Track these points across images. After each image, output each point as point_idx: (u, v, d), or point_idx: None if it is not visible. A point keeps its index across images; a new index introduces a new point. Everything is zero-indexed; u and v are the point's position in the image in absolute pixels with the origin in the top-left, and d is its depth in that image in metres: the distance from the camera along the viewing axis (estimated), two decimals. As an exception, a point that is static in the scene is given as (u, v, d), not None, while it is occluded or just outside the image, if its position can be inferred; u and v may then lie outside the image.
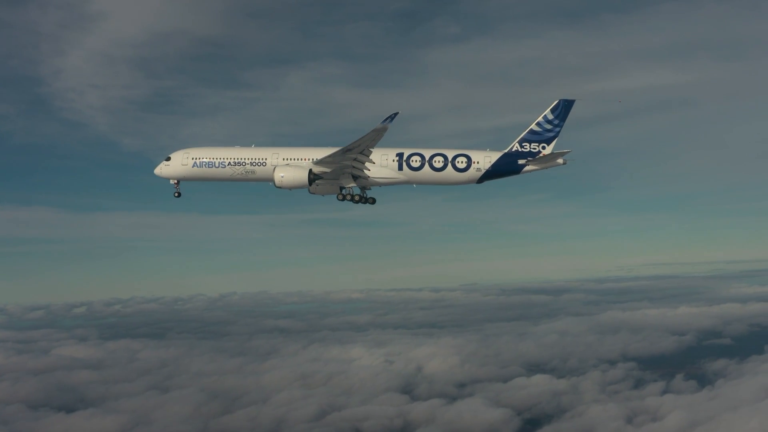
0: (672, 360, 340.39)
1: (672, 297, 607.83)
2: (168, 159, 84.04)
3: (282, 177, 78.58)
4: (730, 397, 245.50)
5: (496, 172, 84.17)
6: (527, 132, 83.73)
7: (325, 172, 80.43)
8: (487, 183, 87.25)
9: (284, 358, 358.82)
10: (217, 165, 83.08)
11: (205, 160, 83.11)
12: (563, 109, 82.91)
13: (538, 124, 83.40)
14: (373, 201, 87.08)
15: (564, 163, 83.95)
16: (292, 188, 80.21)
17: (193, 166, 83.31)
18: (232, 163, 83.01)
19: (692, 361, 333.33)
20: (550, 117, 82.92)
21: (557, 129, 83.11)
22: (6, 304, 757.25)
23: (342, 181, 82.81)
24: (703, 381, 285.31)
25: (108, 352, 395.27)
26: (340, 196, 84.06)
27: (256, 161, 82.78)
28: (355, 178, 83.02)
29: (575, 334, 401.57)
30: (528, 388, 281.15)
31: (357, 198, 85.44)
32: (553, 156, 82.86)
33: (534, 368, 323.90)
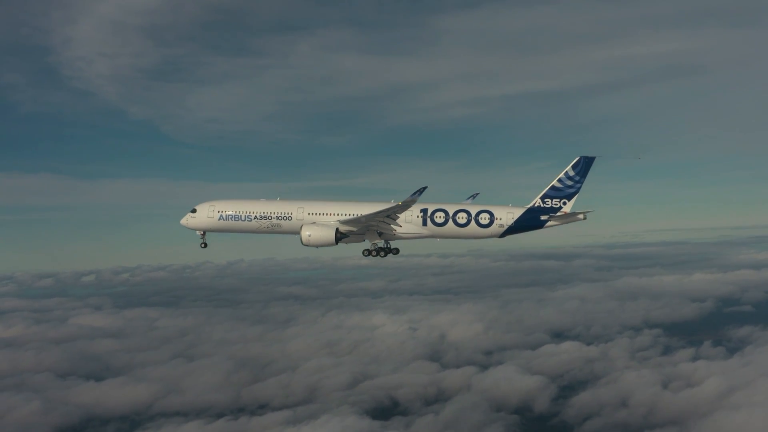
0: (695, 327, 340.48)
1: (683, 263, 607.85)
2: (194, 211, 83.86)
3: (309, 236, 78.78)
4: (763, 363, 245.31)
5: (518, 227, 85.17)
6: (549, 188, 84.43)
7: (352, 231, 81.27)
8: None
9: (305, 325, 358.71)
10: (243, 218, 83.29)
11: (230, 213, 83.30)
12: (584, 165, 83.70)
13: (559, 180, 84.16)
14: (397, 251, 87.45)
15: (584, 219, 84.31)
16: (319, 247, 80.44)
17: (219, 219, 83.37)
18: (258, 217, 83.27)
19: (716, 327, 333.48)
20: (571, 173, 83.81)
21: (578, 185, 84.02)
22: (14, 272, 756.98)
23: (367, 236, 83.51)
24: (732, 347, 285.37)
25: (126, 320, 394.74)
26: (366, 252, 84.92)
27: (282, 216, 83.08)
28: (380, 233, 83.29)
29: (594, 301, 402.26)
30: (558, 355, 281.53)
31: (383, 254, 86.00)
32: (574, 213, 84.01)
33: (559, 335, 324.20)
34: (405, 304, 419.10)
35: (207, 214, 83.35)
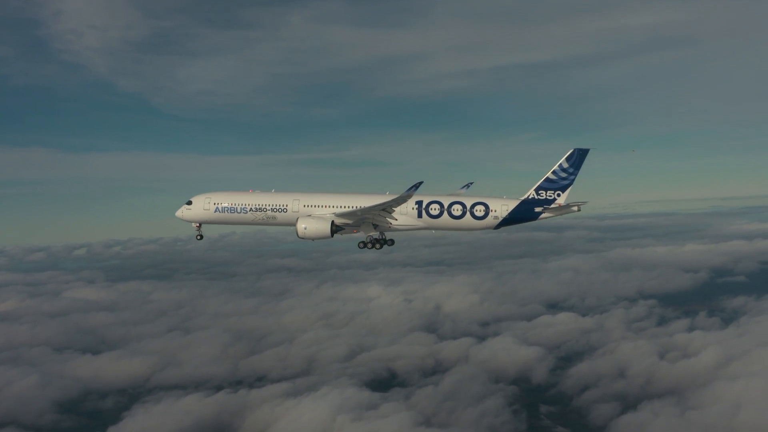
0: (690, 297, 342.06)
1: (675, 234, 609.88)
2: (189, 203, 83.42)
3: (305, 229, 78.39)
4: (758, 333, 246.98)
5: (513, 219, 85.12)
6: (543, 180, 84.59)
7: (347, 224, 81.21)
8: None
9: (300, 297, 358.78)
10: (238, 210, 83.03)
11: (226, 205, 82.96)
12: (578, 157, 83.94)
13: (553, 172, 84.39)
14: (392, 242, 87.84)
15: (578, 210, 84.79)
16: (314, 239, 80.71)
17: (215, 211, 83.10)
18: (254, 209, 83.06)
19: (710, 298, 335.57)
20: (565, 165, 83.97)
21: (572, 177, 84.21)
22: (5, 246, 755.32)
23: (363, 228, 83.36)
24: (726, 318, 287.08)
25: (119, 294, 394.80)
26: (361, 244, 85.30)
27: (277, 207, 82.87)
28: (375, 226, 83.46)
29: (588, 272, 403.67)
30: (555, 326, 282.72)
31: (378, 246, 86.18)
32: (568, 205, 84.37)
33: (553, 306, 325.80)
34: (399, 275, 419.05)
35: (203, 206, 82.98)
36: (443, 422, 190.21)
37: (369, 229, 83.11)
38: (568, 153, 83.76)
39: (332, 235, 79.88)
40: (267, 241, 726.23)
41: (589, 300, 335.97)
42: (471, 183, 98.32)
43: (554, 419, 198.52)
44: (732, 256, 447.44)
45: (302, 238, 79.28)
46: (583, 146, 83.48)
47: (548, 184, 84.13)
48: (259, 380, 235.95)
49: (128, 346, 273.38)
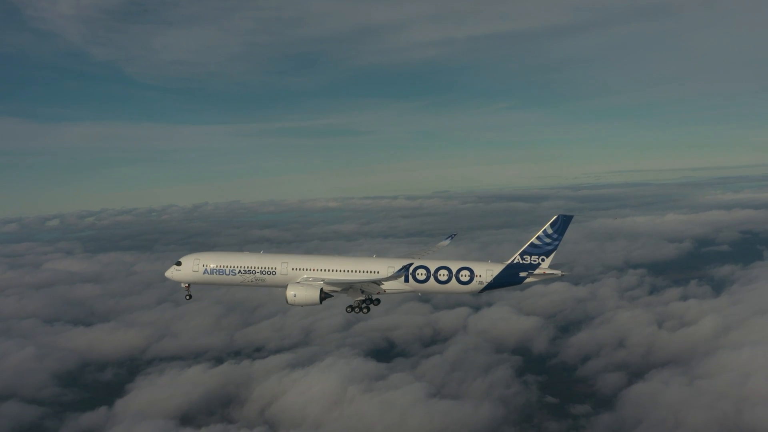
0: (677, 266, 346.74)
1: (651, 204, 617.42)
2: (179, 264, 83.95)
3: (294, 296, 78.16)
4: (753, 301, 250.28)
5: (497, 284, 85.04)
6: (528, 245, 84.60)
7: (336, 291, 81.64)
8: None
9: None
10: (227, 273, 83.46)
11: (214, 267, 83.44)
12: (561, 223, 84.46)
13: (538, 238, 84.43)
14: (378, 302, 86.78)
15: (561, 276, 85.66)
16: (303, 306, 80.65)
17: (204, 272, 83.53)
18: (242, 272, 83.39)
19: (697, 267, 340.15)
20: (550, 231, 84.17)
21: (556, 243, 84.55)
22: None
23: (350, 294, 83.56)
24: (716, 287, 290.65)
25: (102, 265, 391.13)
26: (349, 309, 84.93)
27: (266, 270, 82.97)
28: (362, 291, 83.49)
29: (573, 241, 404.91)
30: (549, 295, 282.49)
31: (366, 310, 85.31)
32: (552, 273, 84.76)
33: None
34: (381, 246, 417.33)
35: (192, 267, 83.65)
36: (454, 393, 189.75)
37: (356, 295, 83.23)
38: (552, 219, 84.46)
39: (321, 302, 79.85)
40: (242, 212, 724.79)
41: (578, 269, 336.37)
42: (454, 234, 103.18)
43: (560, 390, 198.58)
44: (712, 226, 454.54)
45: (291, 305, 79.10)
46: (568, 213, 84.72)
47: (533, 249, 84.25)
48: (257, 351, 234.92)
49: (120, 318, 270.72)
